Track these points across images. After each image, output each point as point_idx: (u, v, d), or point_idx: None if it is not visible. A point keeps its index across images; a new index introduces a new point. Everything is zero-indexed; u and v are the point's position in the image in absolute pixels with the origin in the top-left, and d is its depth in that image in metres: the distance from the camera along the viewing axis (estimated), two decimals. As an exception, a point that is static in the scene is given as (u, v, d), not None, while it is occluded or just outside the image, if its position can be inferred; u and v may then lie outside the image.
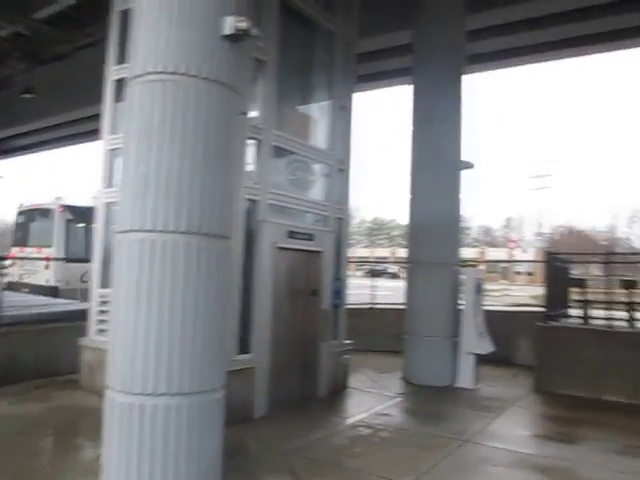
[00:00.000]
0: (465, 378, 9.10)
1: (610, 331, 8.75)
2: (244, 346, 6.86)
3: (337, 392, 8.44)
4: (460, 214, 9.76)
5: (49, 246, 14.08)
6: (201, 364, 4.35)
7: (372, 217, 77.39)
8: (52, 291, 12.88)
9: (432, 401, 8.33)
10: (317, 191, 8.50)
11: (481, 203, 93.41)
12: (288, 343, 7.67)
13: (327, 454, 5.81)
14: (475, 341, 9.05)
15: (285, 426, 6.69)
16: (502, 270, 44.12)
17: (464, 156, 9.61)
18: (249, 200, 6.95)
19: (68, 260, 13.45)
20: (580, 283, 9.40)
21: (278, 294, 7.40)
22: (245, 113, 5.60)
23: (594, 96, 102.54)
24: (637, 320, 8.88)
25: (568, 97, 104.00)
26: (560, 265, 9.74)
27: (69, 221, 14.39)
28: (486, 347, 9.15)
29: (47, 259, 13.64)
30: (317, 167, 8.47)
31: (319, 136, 8.49)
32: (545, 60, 12.94)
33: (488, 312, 11.79)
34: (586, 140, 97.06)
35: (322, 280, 8.22)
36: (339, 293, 8.52)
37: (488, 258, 43.54)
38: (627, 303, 8.89)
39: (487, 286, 32.08)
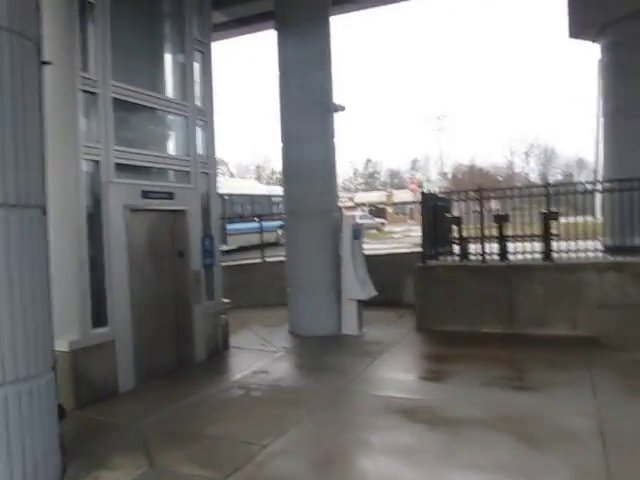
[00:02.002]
0: (349, 325, 9.09)
1: (483, 266, 8.97)
2: (99, 319, 6.37)
3: (217, 354, 8.18)
4: (335, 159, 9.50)
5: None
6: (13, 348, 3.85)
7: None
8: None
9: (314, 353, 8.25)
10: (176, 146, 7.93)
11: (388, 146, 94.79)
12: (155, 310, 7.26)
13: (189, 423, 5.55)
14: (356, 287, 9.00)
15: (151, 398, 6.35)
16: (409, 211, 45.14)
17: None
18: (90, 160, 6.31)
19: None
20: (456, 221, 9.50)
21: (137, 259, 6.91)
22: (48, 62, 4.92)
23: (483, 31, 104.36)
24: (509, 254, 9.11)
25: (456, 34, 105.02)
26: (439, 204, 9.78)
27: None
28: (368, 292, 9.14)
29: None
30: (174, 120, 7.85)
31: (174, 86, 7.84)
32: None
33: (377, 256, 11.98)
34: (479, 78, 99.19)
35: (189, 240, 7.77)
36: (210, 252, 8.13)
37: (395, 200, 44.33)
38: (499, 238, 9.07)
39: (393, 228, 32.69)
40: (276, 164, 69.64)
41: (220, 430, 5.31)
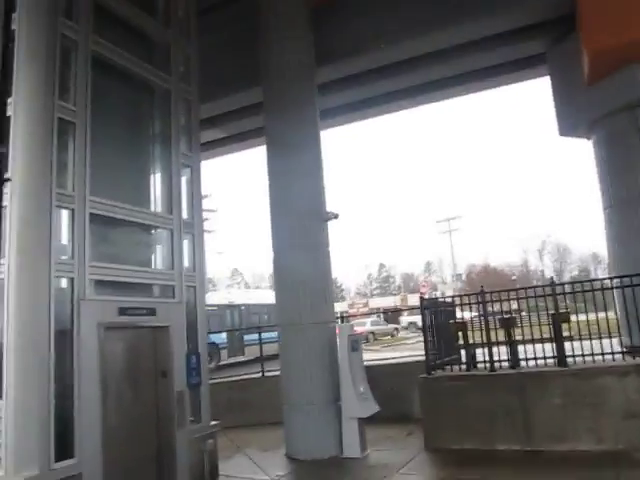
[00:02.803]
0: (351, 446, 8.29)
1: (492, 375, 8.29)
2: (65, 449, 5.78)
3: (203, 484, 7.39)
4: (330, 268, 9.20)
5: None
6: None
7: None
8: None
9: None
10: (160, 259, 7.71)
11: (401, 250, 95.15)
12: (132, 436, 6.65)
13: None
14: (356, 404, 8.31)
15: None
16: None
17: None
18: (63, 277, 6.05)
19: None
20: (461, 327, 8.93)
21: (112, 380, 6.42)
22: (7, 179, 4.82)
23: (479, 133, 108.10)
24: (519, 360, 8.46)
25: (455, 139, 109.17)
26: (441, 310, 9.29)
27: None
28: (370, 409, 8.42)
29: None
30: (158, 233, 7.70)
31: (158, 200, 7.78)
32: (402, 108, 12.80)
33: (384, 366, 11.32)
34: (484, 178, 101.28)
35: (172, 358, 7.30)
36: (197, 370, 7.61)
37: (409, 304, 43.53)
38: (507, 343, 8.47)
39: (408, 334, 31.56)
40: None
41: None
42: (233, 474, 7.82)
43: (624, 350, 8.50)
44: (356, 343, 8.68)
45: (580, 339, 8.16)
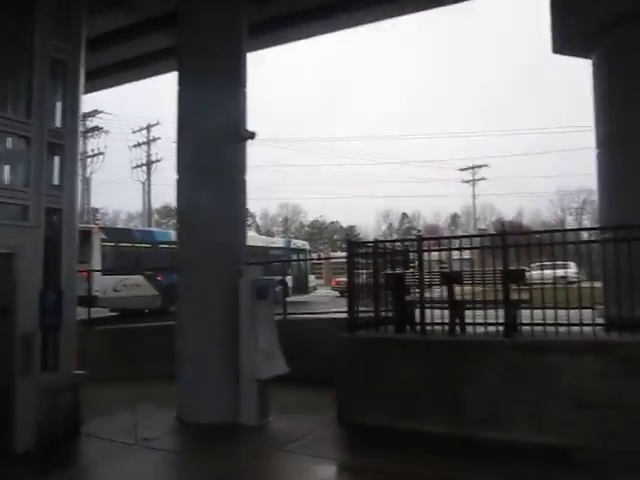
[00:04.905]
0: (247, 412, 6.95)
1: (423, 340, 6.75)
2: None
3: (54, 444, 6.18)
4: (245, 199, 7.65)
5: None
6: None
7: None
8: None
9: (178, 452, 6.16)
10: (14, 174, 6.31)
11: (426, 200, 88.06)
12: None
13: None
14: (256, 363, 6.92)
15: None
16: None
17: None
18: None
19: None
20: (397, 278, 7.32)
21: None
22: None
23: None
24: (463, 324, 6.88)
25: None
26: (377, 254, 7.58)
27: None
28: (273, 369, 7.01)
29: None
30: (9, 141, 6.26)
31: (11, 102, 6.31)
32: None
33: (317, 320, 9.93)
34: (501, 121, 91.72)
35: (18, 293, 6.00)
36: (54, 309, 6.30)
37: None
38: (448, 303, 6.88)
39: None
40: (307, 217, 68.08)
41: None
42: (96, 433, 6.61)
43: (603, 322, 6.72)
44: (264, 290, 7.21)
45: (543, 307, 6.49)
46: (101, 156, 32.85)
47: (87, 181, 32.55)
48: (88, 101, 35.37)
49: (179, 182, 7.54)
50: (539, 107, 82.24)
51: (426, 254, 6.94)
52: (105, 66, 9.98)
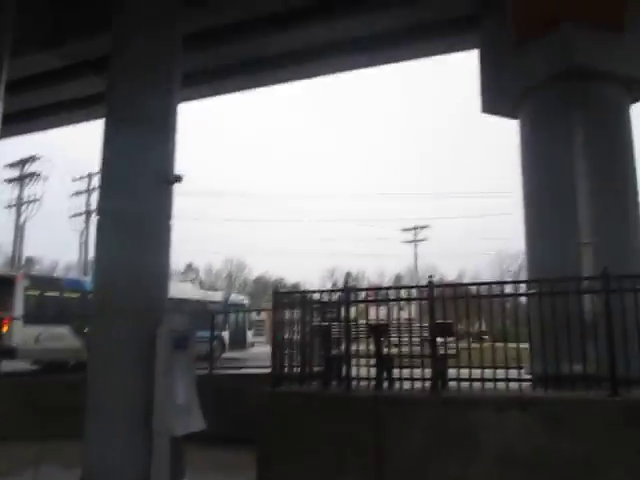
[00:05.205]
0: (159, 472, 6.38)
1: (346, 397, 6.46)
2: None
3: None
4: (169, 242, 7.32)
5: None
6: None
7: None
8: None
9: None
10: None
11: (369, 259, 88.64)
12: None
13: None
14: (172, 418, 6.40)
15: None
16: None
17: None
18: None
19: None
20: (324, 331, 7.07)
21: None
22: None
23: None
24: (390, 379, 6.66)
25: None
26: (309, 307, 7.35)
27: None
28: (188, 425, 6.51)
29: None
30: None
31: None
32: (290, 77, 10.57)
33: (237, 376, 9.55)
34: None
35: None
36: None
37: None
38: (376, 357, 6.66)
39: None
40: (252, 273, 67.23)
41: None
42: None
43: (530, 378, 6.63)
44: (184, 340, 6.79)
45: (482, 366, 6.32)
46: (37, 203, 31.61)
47: (20, 229, 31.16)
48: (28, 145, 34.47)
49: (98, 225, 7.17)
50: (473, 170, 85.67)
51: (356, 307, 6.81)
52: (32, 109, 9.65)
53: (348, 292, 6.55)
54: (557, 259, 7.35)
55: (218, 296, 21.89)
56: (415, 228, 45.21)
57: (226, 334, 20.26)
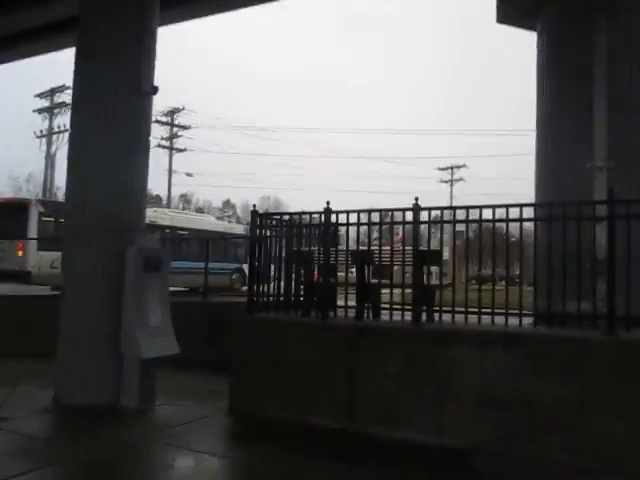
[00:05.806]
0: (129, 394, 6.23)
1: (322, 324, 6.07)
2: None
3: None
4: (146, 158, 6.89)
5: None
6: None
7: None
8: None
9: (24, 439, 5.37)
10: None
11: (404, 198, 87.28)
12: None
13: None
14: (141, 340, 6.19)
15: None
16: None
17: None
18: None
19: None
20: (306, 257, 6.60)
21: None
22: None
23: None
24: (370, 309, 6.21)
25: None
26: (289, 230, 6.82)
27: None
28: (160, 349, 6.29)
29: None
30: None
31: None
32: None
33: (231, 304, 9.31)
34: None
35: None
36: None
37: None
38: (358, 285, 6.20)
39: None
40: (288, 210, 66.89)
41: None
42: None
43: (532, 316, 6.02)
44: (156, 261, 6.47)
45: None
46: (67, 133, 31.61)
47: (51, 158, 31.44)
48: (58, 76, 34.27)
49: (70, 140, 6.80)
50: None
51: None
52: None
53: (328, 214, 6.04)
54: (570, 186, 6.57)
55: (241, 229, 21.63)
56: (452, 167, 43.65)
57: (246, 266, 20.09)
